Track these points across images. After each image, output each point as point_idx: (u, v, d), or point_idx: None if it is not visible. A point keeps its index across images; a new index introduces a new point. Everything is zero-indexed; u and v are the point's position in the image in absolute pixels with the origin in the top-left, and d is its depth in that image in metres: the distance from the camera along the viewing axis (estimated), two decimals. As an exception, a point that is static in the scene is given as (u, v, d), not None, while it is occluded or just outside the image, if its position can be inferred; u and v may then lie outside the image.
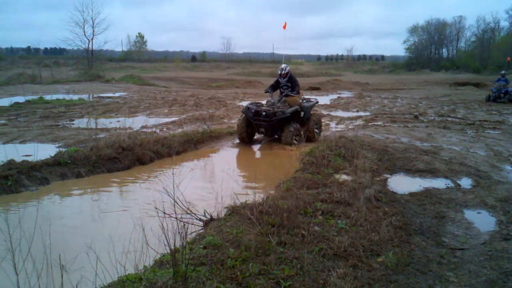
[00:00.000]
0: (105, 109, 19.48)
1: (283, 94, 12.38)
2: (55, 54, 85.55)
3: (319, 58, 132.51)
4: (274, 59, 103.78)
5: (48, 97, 23.64)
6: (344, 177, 7.95)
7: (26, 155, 9.19)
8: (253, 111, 11.83)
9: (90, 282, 3.52)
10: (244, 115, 12.28)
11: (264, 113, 11.56)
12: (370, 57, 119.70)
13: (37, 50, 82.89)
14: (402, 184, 8.03)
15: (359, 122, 17.19)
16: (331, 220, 5.46)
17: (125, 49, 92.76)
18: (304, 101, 13.05)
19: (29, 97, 22.76)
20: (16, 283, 2.85)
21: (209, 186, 8.26)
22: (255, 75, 56.37)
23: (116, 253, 3.78)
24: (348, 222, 5.40)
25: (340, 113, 20.27)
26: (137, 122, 14.72)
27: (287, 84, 12.43)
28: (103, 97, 26.39)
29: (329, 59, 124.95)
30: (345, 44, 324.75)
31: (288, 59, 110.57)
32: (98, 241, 4.92)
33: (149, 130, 13.42)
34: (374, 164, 9.01)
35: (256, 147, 12.25)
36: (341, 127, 15.89)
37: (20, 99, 22.01)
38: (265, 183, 7.41)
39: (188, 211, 5.37)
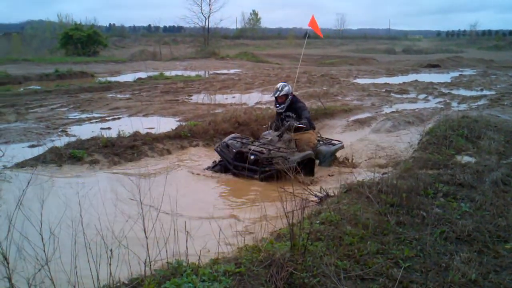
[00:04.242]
0: (221, 85, 20.08)
1: (286, 125, 7.78)
2: (173, 32, 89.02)
3: (438, 34, 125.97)
4: (390, 35, 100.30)
5: (167, 73, 24.92)
6: (467, 158, 7.53)
7: (150, 128, 9.72)
8: (234, 150, 7.41)
9: (212, 250, 3.66)
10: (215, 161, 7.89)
11: (252, 157, 7.12)
12: (496, 32, 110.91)
13: (157, 28, 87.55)
14: (533, 168, 7.41)
15: (483, 101, 16.18)
16: (453, 202, 5.20)
17: (239, 26, 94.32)
18: (321, 141, 8.70)
19: (151, 73, 24.05)
20: (145, 245, 3.02)
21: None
22: (370, 51, 54.84)
23: (237, 224, 3.90)
24: (472, 205, 5.11)
25: (462, 92, 19.23)
26: (252, 98, 15.07)
27: (287, 114, 8.14)
28: (218, 73, 27.23)
29: (450, 35, 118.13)
30: (469, 19, 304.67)
31: (405, 35, 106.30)
32: (220, 211, 5.10)
33: (264, 106, 13.61)
34: (501, 146, 8.41)
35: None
36: (463, 106, 15.07)
37: (143, 75, 23.38)
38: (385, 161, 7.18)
39: (305, 187, 5.39)
